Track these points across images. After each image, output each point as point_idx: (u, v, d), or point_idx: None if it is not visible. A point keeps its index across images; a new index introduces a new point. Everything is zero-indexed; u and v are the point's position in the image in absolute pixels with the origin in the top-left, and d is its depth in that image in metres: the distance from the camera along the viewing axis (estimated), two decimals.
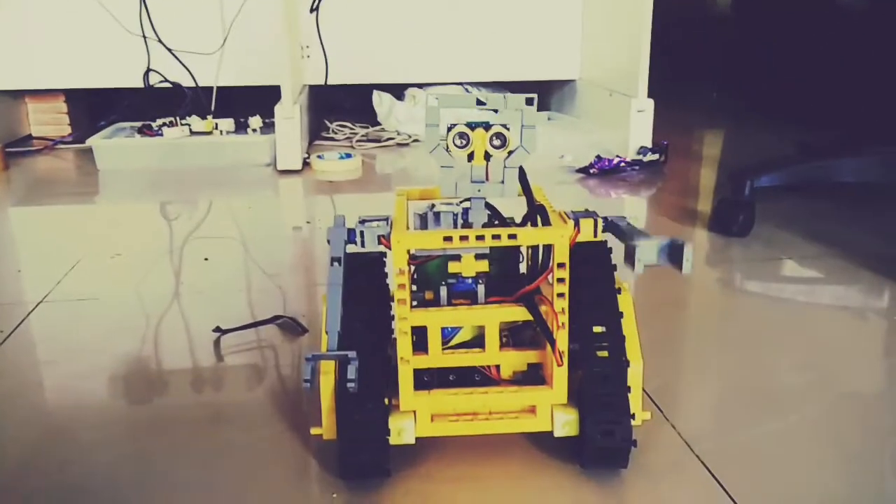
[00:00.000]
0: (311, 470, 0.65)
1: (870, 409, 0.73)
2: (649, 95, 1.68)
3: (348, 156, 1.73)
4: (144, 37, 1.86)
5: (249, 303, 0.99)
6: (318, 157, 1.72)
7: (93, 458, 0.66)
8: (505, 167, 0.60)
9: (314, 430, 0.63)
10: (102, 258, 1.14)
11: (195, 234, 1.28)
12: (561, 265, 0.59)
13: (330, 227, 0.59)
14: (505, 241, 0.59)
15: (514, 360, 0.64)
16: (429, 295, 0.64)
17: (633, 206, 1.47)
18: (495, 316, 0.61)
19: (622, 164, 1.62)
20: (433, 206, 0.64)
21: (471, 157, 0.60)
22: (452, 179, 0.60)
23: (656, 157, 1.65)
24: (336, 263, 0.58)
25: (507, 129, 0.59)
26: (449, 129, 0.59)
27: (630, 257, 0.61)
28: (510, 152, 0.59)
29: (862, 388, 0.77)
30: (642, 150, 1.65)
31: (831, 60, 2.07)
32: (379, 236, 0.59)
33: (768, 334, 0.90)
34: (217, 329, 0.88)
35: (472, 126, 0.59)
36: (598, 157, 1.62)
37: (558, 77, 2.07)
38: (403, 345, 0.60)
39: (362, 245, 0.60)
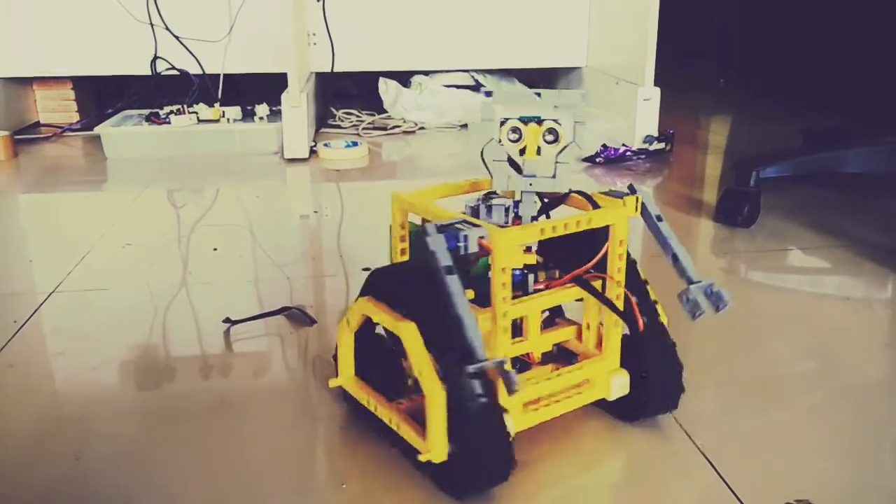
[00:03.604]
0: (319, 460, 0.66)
1: (871, 399, 0.74)
2: (656, 82, 1.68)
3: (355, 144, 1.74)
4: (151, 24, 1.86)
5: (258, 293, 1.00)
6: (325, 145, 1.72)
7: (106, 447, 0.68)
8: (557, 162, 0.61)
9: (423, 457, 0.59)
10: (112, 248, 1.16)
11: (203, 222, 1.29)
12: (621, 242, 0.64)
13: (426, 237, 0.57)
14: (585, 225, 0.61)
15: (560, 338, 0.69)
16: (470, 294, 0.63)
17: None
18: (570, 295, 0.64)
19: (628, 152, 1.62)
20: (485, 197, 0.65)
21: (522, 151, 0.61)
22: (505, 173, 0.62)
23: (662, 145, 1.65)
24: (448, 273, 0.56)
25: (560, 125, 0.60)
26: (502, 124, 0.61)
27: (687, 303, 0.64)
28: (563, 147, 0.61)
29: (864, 378, 0.78)
30: (648, 139, 1.65)
31: (838, 45, 2.07)
32: (479, 238, 0.58)
33: (771, 324, 0.90)
34: (227, 320, 0.90)
35: (525, 121, 0.60)
36: (604, 145, 1.62)
37: (564, 64, 2.07)
38: (504, 341, 0.60)
39: (465, 250, 0.57)
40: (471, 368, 0.53)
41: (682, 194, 1.43)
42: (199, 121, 1.78)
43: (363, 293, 0.64)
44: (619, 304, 0.65)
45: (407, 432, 0.61)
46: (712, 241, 1.20)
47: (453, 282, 0.55)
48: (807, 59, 2.22)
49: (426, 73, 2.06)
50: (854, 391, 0.76)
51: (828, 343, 0.86)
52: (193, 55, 1.89)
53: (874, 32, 1.86)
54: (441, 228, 0.57)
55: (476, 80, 2.08)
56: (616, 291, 0.65)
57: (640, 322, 0.64)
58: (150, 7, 1.85)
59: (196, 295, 0.99)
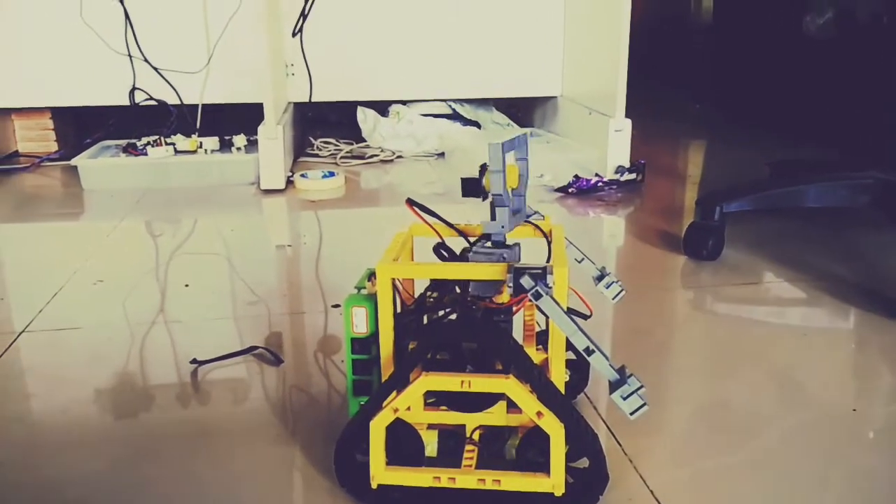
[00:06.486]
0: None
1: (827, 437, 0.76)
2: (631, 109, 1.71)
3: (332, 174, 1.75)
4: (130, 56, 1.88)
5: (230, 331, 1.01)
6: (302, 175, 1.74)
7: (70, 494, 0.68)
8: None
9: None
10: (85, 285, 1.17)
11: (177, 256, 1.30)
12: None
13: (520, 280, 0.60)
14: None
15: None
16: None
17: (610, 226, 1.50)
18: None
19: (600, 183, 1.65)
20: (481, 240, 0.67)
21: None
22: (506, 215, 0.64)
23: (633, 176, 1.68)
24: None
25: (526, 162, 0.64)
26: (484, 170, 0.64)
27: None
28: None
29: (822, 414, 0.80)
30: (620, 170, 1.68)
31: (811, 76, 2.11)
32: None
33: (730, 361, 0.92)
34: (194, 361, 0.91)
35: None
36: (577, 176, 1.65)
37: (540, 94, 2.10)
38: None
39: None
40: (629, 390, 0.59)
41: (651, 226, 1.46)
42: (177, 152, 1.79)
43: (405, 373, 0.63)
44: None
45: (513, 483, 0.63)
46: (680, 274, 1.23)
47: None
48: (780, 88, 2.27)
49: (404, 102, 2.09)
50: (812, 429, 0.78)
51: (787, 378, 0.88)
52: (172, 86, 1.91)
53: (846, 65, 1.90)
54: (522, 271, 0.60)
55: (453, 109, 2.10)
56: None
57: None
58: (128, 39, 1.87)
59: (167, 334, 1.00)
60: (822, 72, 2.02)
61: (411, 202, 0.68)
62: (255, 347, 0.94)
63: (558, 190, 1.65)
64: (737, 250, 1.28)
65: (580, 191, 1.64)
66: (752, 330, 1.02)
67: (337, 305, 1.08)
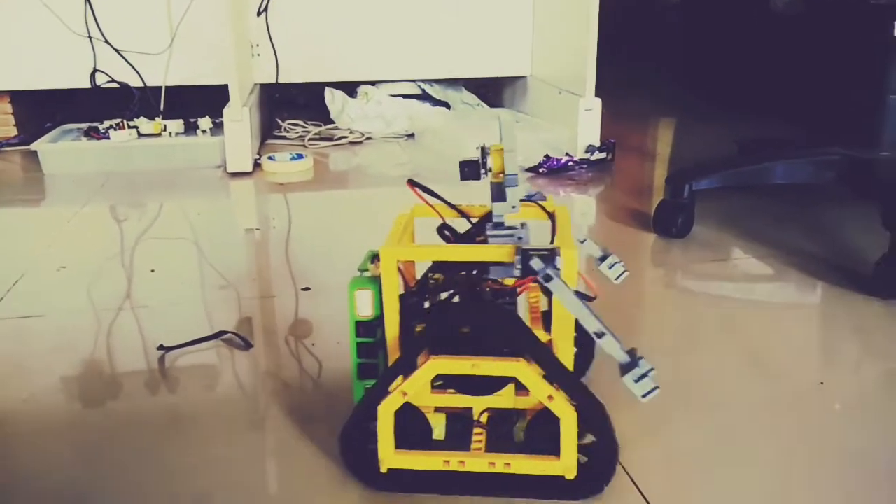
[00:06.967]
0: (269, 489, 0.66)
1: (795, 410, 0.77)
2: (600, 89, 1.70)
3: (300, 156, 1.73)
4: (90, 37, 1.83)
5: (198, 316, 1.00)
6: (270, 158, 1.71)
7: (34, 485, 0.67)
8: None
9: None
10: (47, 271, 1.14)
11: (143, 242, 1.27)
12: None
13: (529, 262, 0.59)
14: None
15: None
16: None
17: (581, 206, 1.50)
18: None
19: (570, 162, 1.65)
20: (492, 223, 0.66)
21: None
22: (517, 197, 0.63)
23: (604, 155, 1.68)
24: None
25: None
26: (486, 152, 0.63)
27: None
28: None
29: (788, 389, 0.81)
30: (590, 149, 1.68)
31: (775, 52, 2.13)
32: None
33: (700, 337, 0.93)
34: (161, 347, 0.89)
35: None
36: (547, 156, 1.64)
37: (509, 74, 2.09)
38: None
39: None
40: (640, 373, 0.59)
41: (621, 204, 1.46)
42: (140, 135, 1.75)
43: (411, 357, 0.62)
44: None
45: (523, 466, 0.63)
46: (650, 251, 1.23)
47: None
48: (748, 65, 2.28)
49: (373, 83, 2.06)
50: (781, 402, 0.79)
51: (756, 353, 0.89)
52: (134, 68, 1.87)
53: (813, 42, 1.92)
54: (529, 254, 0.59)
55: (422, 90, 2.09)
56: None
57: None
58: (88, 20, 1.82)
59: (134, 320, 0.99)
60: (789, 49, 2.04)
61: (413, 183, 0.66)
62: (224, 332, 0.93)
63: (529, 170, 1.65)
64: (706, 227, 1.29)
65: (551, 170, 1.63)
66: (721, 306, 1.03)
67: (307, 288, 1.07)
